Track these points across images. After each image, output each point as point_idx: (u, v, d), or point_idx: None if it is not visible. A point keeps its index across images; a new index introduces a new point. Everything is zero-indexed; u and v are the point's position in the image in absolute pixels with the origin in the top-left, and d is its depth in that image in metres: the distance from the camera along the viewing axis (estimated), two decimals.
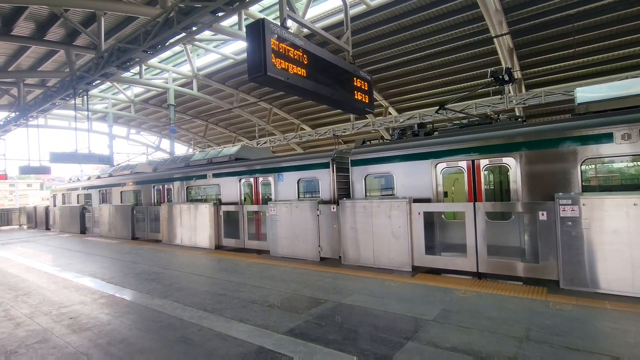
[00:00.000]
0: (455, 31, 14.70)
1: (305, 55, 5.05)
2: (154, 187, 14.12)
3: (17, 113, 18.36)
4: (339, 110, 21.34)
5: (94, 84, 13.14)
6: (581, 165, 5.68)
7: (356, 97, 6.38)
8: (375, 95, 20.19)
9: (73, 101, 14.27)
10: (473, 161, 6.77)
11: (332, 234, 7.78)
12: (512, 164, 6.32)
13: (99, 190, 17.50)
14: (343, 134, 22.32)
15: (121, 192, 15.95)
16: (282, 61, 4.52)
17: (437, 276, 6.31)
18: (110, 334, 4.13)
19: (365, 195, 8.04)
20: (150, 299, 5.52)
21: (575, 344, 3.42)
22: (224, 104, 24.96)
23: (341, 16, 7.33)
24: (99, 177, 18.27)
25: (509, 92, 15.82)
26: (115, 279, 6.98)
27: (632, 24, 12.87)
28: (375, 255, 7.02)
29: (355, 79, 6.36)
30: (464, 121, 7.91)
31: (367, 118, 20.83)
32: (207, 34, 16.44)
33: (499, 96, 15.93)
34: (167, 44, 9.63)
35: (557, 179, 5.86)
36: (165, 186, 13.66)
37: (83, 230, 16.74)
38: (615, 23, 12.96)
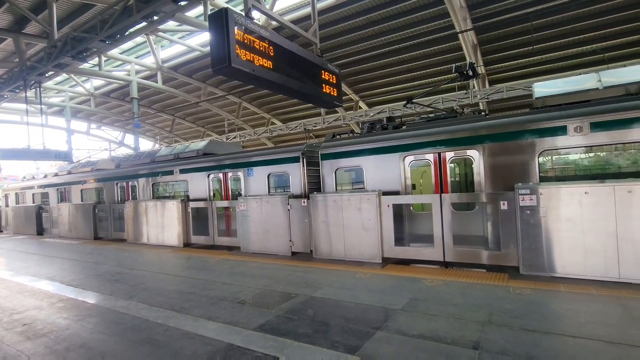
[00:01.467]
0: (422, 27, 14.99)
1: (271, 47, 4.94)
2: (117, 184, 13.50)
3: None
4: (310, 105, 21.29)
5: (47, 75, 12.31)
6: (539, 156, 5.98)
7: (324, 90, 6.35)
8: (346, 89, 20.28)
9: (24, 94, 13.29)
10: (439, 154, 6.96)
11: (304, 228, 7.77)
12: (476, 156, 6.55)
13: (57, 189, 16.50)
14: (314, 128, 22.31)
15: (81, 190, 15.12)
16: (247, 52, 4.40)
17: (407, 266, 6.46)
18: (69, 339, 3.91)
19: (336, 189, 8.07)
20: (113, 300, 5.28)
21: (532, 326, 3.61)
22: (191, 97, 24.18)
23: (310, 9, 7.25)
24: (56, 174, 17.21)
25: (474, 87, 16.38)
26: (75, 281, 6.62)
27: (584, 24, 13.67)
28: (346, 248, 7.09)
29: (323, 72, 6.32)
30: (431, 115, 8.10)
31: (338, 112, 20.91)
32: (171, 24, 15.79)
33: (464, 91, 16.47)
34: (127, 33, 9.17)
35: (517, 170, 6.15)
36: (130, 183, 13.09)
37: (40, 232, 15.76)
38: (569, 22, 13.70)
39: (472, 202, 6.64)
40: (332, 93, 6.54)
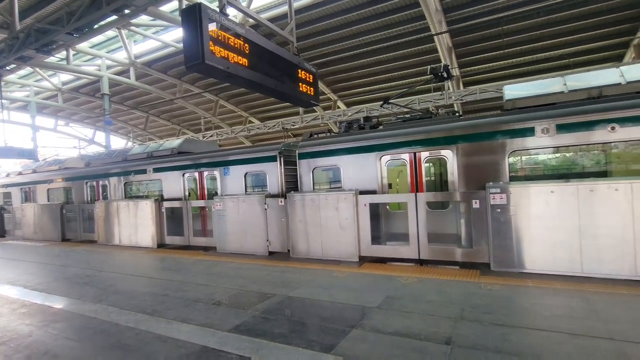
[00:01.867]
0: (399, 28, 15.22)
1: (247, 45, 4.87)
2: (87, 183, 12.96)
3: None
4: (288, 104, 21.19)
5: (7, 68, 11.64)
6: (509, 157, 6.20)
7: (301, 89, 6.33)
8: (324, 88, 20.32)
9: None
10: (415, 153, 7.08)
11: (281, 227, 7.72)
12: (450, 156, 6.71)
13: (21, 189, 15.66)
14: (292, 127, 22.22)
15: (48, 189, 14.41)
16: (221, 49, 4.32)
17: (383, 265, 6.55)
18: (32, 346, 3.72)
19: (313, 189, 8.06)
20: (81, 304, 5.07)
21: (502, 320, 3.74)
22: (166, 94, 23.53)
23: (286, 7, 7.20)
24: (20, 173, 16.33)
25: (449, 89, 16.79)
26: (40, 285, 6.30)
27: (552, 29, 14.28)
28: (323, 247, 7.10)
29: (300, 70, 6.30)
30: (407, 115, 8.23)
31: (316, 111, 20.92)
32: (145, 18, 15.30)
33: (440, 92, 16.85)
34: (97, 27, 8.80)
35: (489, 170, 6.34)
36: (100, 182, 12.60)
37: (2, 234, 14.92)
38: (538, 28, 14.28)
39: (446, 201, 6.80)
40: (308, 92, 6.53)
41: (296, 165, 8.27)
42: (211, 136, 25.42)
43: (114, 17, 8.40)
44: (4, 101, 15.24)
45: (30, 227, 13.36)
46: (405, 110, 11.41)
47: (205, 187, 10.11)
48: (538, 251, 5.34)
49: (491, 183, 5.77)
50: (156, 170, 10.88)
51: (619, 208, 4.85)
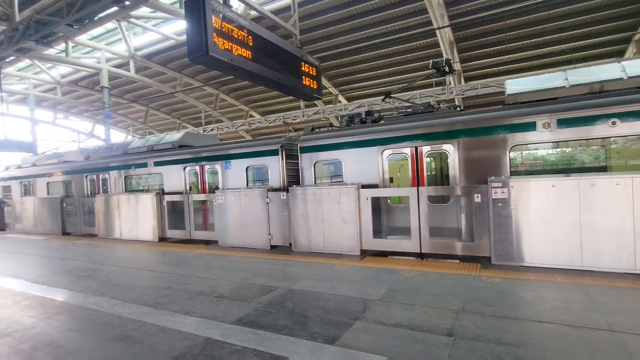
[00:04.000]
0: (401, 22, 15.14)
1: (250, 37, 4.84)
2: (86, 177, 12.95)
3: None
4: (289, 97, 21.10)
5: (7, 60, 11.55)
6: (510, 151, 6.20)
7: (304, 82, 6.30)
8: (325, 83, 20.25)
9: None
10: (416, 148, 7.08)
11: (283, 221, 7.74)
12: (451, 150, 6.71)
13: (20, 182, 15.64)
14: (293, 121, 22.17)
15: (47, 183, 14.40)
16: (225, 41, 4.29)
17: (385, 258, 6.58)
18: (35, 337, 3.74)
19: (315, 182, 8.06)
20: (83, 297, 5.09)
21: (503, 312, 3.76)
22: (166, 87, 23.43)
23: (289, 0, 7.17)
24: (19, 167, 16.31)
25: (450, 84, 16.74)
26: (42, 278, 6.32)
27: (554, 24, 14.21)
28: (325, 240, 7.12)
29: (303, 63, 6.27)
30: (409, 110, 8.22)
31: (317, 105, 20.88)
32: (145, 10, 15.17)
33: (441, 87, 16.80)
34: (96, 18, 8.73)
35: (489, 164, 6.35)
36: (100, 176, 12.58)
37: (2, 227, 14.94)
38: (540, 22, 14.21)
39: (447, 195, 6.81)
40: (311, 85, 6.50)
41: (298, 159, 8.26)
42: (212, 130, 25.36)
43: (114, 9, 8.33)
44: (2, 94, 15.15)
45: (30, 221, 13.36)
46: (407, 104, 11.42)
47: (207, 181, 10.10)
48: (539, 245, 5.36)
49: (493, 177, 5.78)
50: (157, 163, 10.86)
51: (619, 202, 4.87)
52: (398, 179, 7.60)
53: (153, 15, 16.06)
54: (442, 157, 7.13)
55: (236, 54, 4.55)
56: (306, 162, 8.16)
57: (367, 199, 6.77)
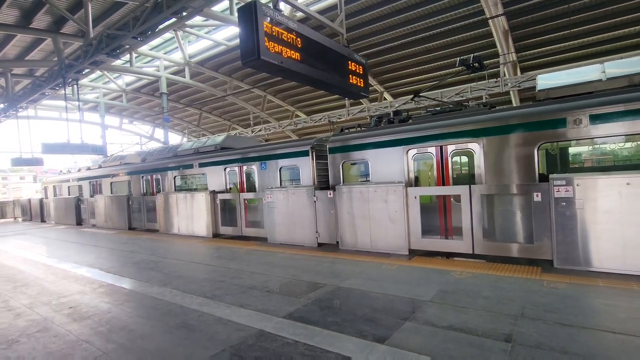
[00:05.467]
0: (450, 13, 14.52)
1: (299, 39, 4.96)
2: (142, 177, 14.23)
3: (5, 104, 18.01)
4: (334, 96, 21.19)
5: (83, 72, 12.89)
6: (538, 149, 5.92)
7: (351, 81, 6.31)
8: (370, 80, 20.02)
9: (63, 91, 14.01)
10: (441, 147, 6.90)
11: (329, 219, 7.82)
12: (477, 149, 6.49)
13: (90, 182, 17.52)
14: (338, 120, 22.21)
15: (111, 182, 15.97)
16: (275, 45, 4.44)
17: (434, 258, 6.39)
18: (111, 321, 4.17)
19: (343, 182, 8.16)
20: (149, 287, 5.55)
21: (569, 320, 3.50)
22: (218, 91, 24.64)
23: None
24: (89, 168, 18.26)
25: (505, 75, 15.75)
26: (113, 268, 6.99)
27: (628, 3, 12.77)
28: (372, 239, 7.09)
29: (350, 62, 6.28)
30: (437, 108, 8.03)
31: (362, 103, 20.72)
32: (198, 19, 16.10)
33: (495, 79, 15.87)
34: (157, 29, 9.43)
35: (518, 163, 6.04)
36: (154, 176, 13.78)
37: (79, 222, 16.69)
38: (610, 3, 12.85)
39: (502, 193, 6.44)
40: (358, 84, 6.49)
41: (327, 160, 8.46)
42: (259, 131, 26.23)
43: (172, 20, 8.96)
44: (79, 103, 16.92)
45: (101, 217, 14.81)
46: (444, 102, 11.07)
47: (245, 180, 10.69)
48: (608, 248, 4.89)
49: (555, 174, 5.37)
50: (201, 165, 11.65)
51: None
52: (428, 178, 7.37)
53: (205, 23, 16.99)
54: (468, 156, 6.82)
55: (286, 56, 4.68)
56: (335, 162, 8.28)
57: (415, 197, 6.62)
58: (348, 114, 21.36)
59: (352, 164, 8.39)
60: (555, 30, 14.49)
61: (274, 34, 4.46)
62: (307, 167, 8.93)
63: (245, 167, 10.53)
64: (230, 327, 3.80)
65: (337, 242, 7.69)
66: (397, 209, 6.72)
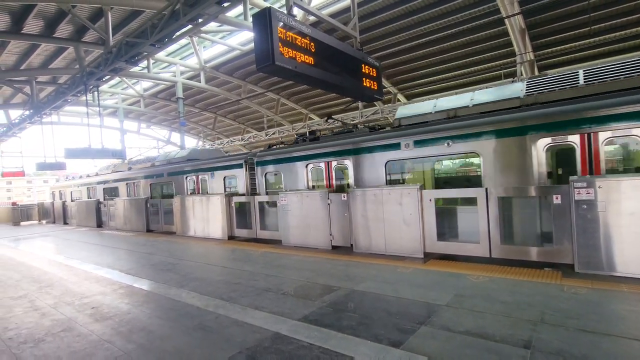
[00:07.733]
0: (464, 13, 14.35)
1: (312, 43, 4.99)
2: (127, 184, 16.81)
3: (30, 111, 18.72)
4: (347, 99, 21.17)
5: (104, 79, 13.30)
6: (385, 165, 7.77)
7: (365, 84, 6.30)
8: (384, 82, 19.95)
9: (84, 97, 14.47)
10: (328, 163, 9.23)
11: (343, 222, 7.81)
12: (350, 165, 8.52)
13: (87, 187, 20.28)
14: (352, 122, 22.18)
15: (103, 188, 18.64)
16: (289, 50, 4.49)
17: (450, 262, 6.31)
18: (131, 322, 4.27)
19: (266, 191, 10.38)
20: (167, 288, 5.66)
21: (591, 327, 3.40)
22: (232, 95, 24.99)
23: (348, 2, 7.25)
24: (88, 175, 21.56)
25: (521, 74, 15.44)
26: (132, 270, 7.16)
27: None
28: (386, 242, 7.04)
29: (363, 65, 6.28)
30: (343, 129, 10.22)
31: (376, 105, 20.67)
32: (212, 25, 16.37)
33: (511, 79, 15.57)
34: (174, 36, 9.65)
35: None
36: (135, 183, 16.47)
37: (99, 224, 17.16)
38: None
39: (518, 196, 6.31)
40: (372, 87, 6.49)
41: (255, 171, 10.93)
42: (273, 134, 26.45)
43: (189, 27, 9.16)
44: (99, 109, 17.49)
45: (120, 219, 15.19)
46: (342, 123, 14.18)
47: (200, 187, 13.12)
48: (633, 253, 4.72)
49: (576, 177, 5.24)
50: (169, 174, 14.38)
51: None
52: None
53: (220, 28, 17.27)
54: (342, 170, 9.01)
55: (300, 61, 4.72)
56: (259, 173, 10.66)
57: (430, 200, 6.55)
58: (361, 116, 21.34)
59: (274, 175, 10.55)
60: (573, 28, 14.14)
61: (288, 39, 4.51)
62: (242, 177, 11.07)
63: (200, 177, 12.94)
64: (246, 329, 3.85)
65: (351, 244, 7.67)
66: (412, 211, 6.67)
